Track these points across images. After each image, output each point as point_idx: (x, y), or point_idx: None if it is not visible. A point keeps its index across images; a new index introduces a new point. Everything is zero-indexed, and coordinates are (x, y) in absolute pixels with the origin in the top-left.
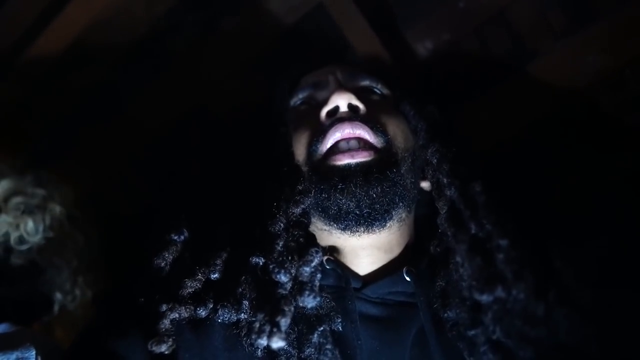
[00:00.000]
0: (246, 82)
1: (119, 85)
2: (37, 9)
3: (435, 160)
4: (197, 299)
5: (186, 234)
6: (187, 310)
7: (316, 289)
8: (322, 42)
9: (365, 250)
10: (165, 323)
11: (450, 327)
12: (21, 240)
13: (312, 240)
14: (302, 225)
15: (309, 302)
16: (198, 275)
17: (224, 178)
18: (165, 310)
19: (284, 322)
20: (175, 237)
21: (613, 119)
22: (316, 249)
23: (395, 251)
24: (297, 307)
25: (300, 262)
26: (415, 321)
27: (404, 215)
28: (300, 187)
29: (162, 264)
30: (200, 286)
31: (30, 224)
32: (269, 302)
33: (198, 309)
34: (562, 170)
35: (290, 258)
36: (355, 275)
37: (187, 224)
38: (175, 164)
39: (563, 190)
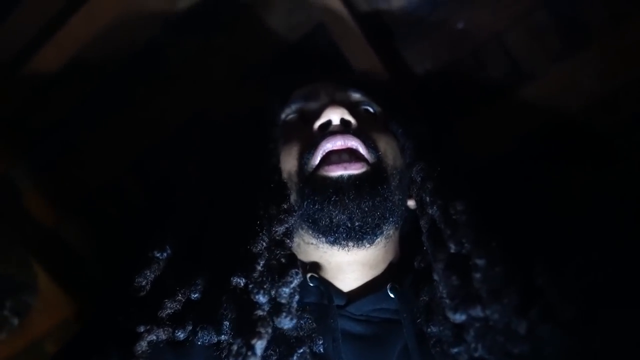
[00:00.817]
0: (245, 98)
1: (116, 97)
2: (40, 22)
3: (420, 179)
4: (176, 320)
5: (169, 251)
6: (165, 332)
7: (293, 310)
8: (322, 62)
9: (351, 266)
10: (142, 345)
11: (433, 343)
12: None
13: (293, 260)
14: (284, 245)
15: (285, 323)
16: (178, 295)
17: (210, 195)
18: (143, 331)
19: (260, 345)
20: (158, 255)
21: (606, 141)
22: (296, 270)
23: (380, 267)
24: (275, 328)
25: (280, 283)
26: (399, 338)
27: (391, 231)
28: (285, 206)
29: (143, 282)
30: (179, 307)
31: None
32: (246, 324)
33: (176, 331)
34: (552, 190)
35: (270, 279)
36: (338, 292)
37: (171, 241)
38: (164, 179)
39: (552, 209)
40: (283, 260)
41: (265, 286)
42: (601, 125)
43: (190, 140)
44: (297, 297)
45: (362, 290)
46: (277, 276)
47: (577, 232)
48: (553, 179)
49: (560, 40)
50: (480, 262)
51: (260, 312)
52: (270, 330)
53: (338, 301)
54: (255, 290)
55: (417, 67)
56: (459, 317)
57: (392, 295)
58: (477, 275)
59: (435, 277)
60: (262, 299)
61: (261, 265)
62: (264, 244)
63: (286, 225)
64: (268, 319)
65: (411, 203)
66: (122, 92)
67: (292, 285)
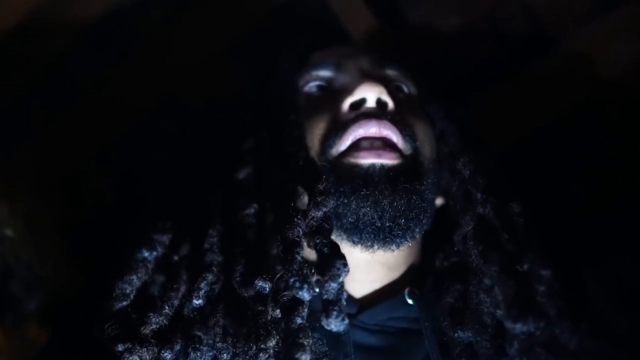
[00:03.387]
0: (224, 70)
1: (76, 72)
2: None
3: (469, 172)
4: (161, 338)
5: (160, 249)
6: (150, 352)
7: (344, 309)
8: (313, 25)
9: (370, 266)
10: None
11: (459, 351)
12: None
13: (337, 250)
14: (324, 231)
15: (337, 325)
16: (165, 308)
17: (209, 179)
18: (123, 351)
19: (305, 359)
20: (147, 254)
21: None
22: (343, 261)
23: (400, 270)
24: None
25: (327, 277)
26: (419, 350)
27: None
28: (321, 187)
29: (128, 290)
30: (166, 322)
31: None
32: (279, 335)
33: (162, 351)
34: (589, 174)
35: (312, 271)
36: (349, 298)
37: (163, 236)
38: (144, 164)
39: (592, 197)
40: (326, 250)
41: (309, 280)
42: (638, 94)
43: (166, 121)
44: (345, 294)
45: (376, 296)
46: (320, 269)
47: (623, 224)
48: (589, 162)
49: None
50: (545, 273)
51: (299, 320)
52: (311, 342)
53: (349, 309)
54: (297, 285)
55: (423, 32)
56: (520, 328)
57: (410, 302)
58: (542, 288)
59: (487, 281)
60: (306, 295)
61: (301, 254)
62: (301, 230)
63: (324, 209)
64: (308, 330)
65: (438, 201)
66: (82, 67)
67: (339, 280)
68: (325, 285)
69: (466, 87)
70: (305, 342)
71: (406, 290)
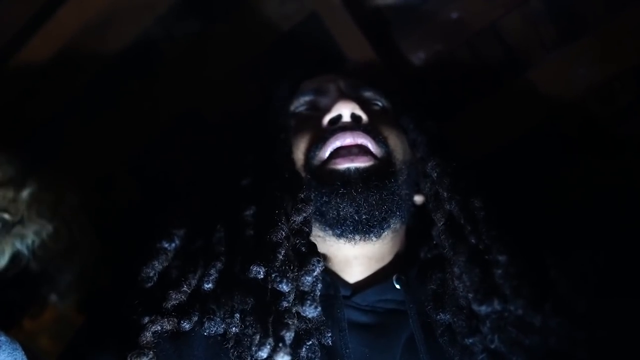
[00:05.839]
0: (239, 88)
1: (110, 91)
2: (29, 12)
3: (436, 174)
4: (181, 311)
5: (177, 241)
6: (171, 322)
7: (317, 298)
8: (316, 51)
9: (358, 259)
10: (147, 336)
11: (441, 332)
12: (43, 246)
13: (313, 249)
14: (303, 233)
15: (310, 311)
16: (183, 286)
17: (219, 184)
18: (147, 322)
19: (289, 336)
20: (167, 245)
21: (603, 129)
22: (318, 258)
23: (386, 260)
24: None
25: (302, 272)
26: (405, 328)
27: (398, 225)
28: (302, 195)
29: (151, 273)
30: (185, 298)
31: (51, 230)
32: (271, 315)
33: (182, 321)
34: (552, 180)
35: (292, 267)
36: (344, 283)
37: (180, 230)
38: (167, 169)
39: (555, 200)
40: (303, 249)
41: (288, 275)
42: (597, 114)
43: (188, 134)
44: (319, 285)
45: (367, 281)
46: (298, 265)
47: (581, 224)
48: (553, 170)
49: (556, 28)
50: (501, 258)
51: (285, 304)
52: (295, 322)
53: (344, 292)
54: (278, 279)
55: (412, 58)
56: (485, 309)
57: (397, 286)
58: (499, 271)
59: (456, 269)
60: (285, 287)
61: (282, 254)
62: (284, 233)
63: (304, 215)
64: (293, 311)
65: (418, 198)
66: (115, 85)
67: (314, 274)
68: (302, 278)
69: (447, 104)
70: (289, 322)
71: (394, 277)
